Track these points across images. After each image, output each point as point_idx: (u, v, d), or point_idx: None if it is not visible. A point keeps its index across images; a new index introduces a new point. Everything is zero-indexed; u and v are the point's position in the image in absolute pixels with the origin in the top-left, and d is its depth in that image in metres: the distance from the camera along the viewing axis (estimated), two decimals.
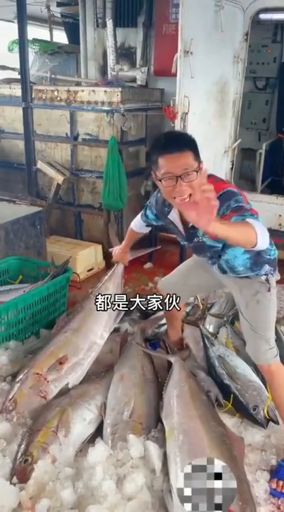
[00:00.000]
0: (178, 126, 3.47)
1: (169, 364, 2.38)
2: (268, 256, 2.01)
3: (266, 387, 2.22)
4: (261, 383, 2.24)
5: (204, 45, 3.50)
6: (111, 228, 3.75)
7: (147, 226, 2.41)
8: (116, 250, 2.76)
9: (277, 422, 2.07)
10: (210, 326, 2.94)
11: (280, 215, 4.33)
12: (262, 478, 1.89)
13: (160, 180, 1.69)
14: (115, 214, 4.02)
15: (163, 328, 2.82)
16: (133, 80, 4.40)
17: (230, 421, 2.14)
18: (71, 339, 2.40)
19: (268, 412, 2.08)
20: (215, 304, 3.21)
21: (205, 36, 3.52)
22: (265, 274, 2.03)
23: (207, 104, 3.82)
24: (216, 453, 1.77)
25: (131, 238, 2.63)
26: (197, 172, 1.63)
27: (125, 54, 4.57)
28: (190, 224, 1.83)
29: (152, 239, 4.28)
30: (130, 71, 4.41)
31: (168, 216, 1.98)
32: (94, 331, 2.45)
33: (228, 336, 2.72)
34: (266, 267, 2.02)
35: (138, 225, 2.45)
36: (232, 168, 4.26)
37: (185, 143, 1.68)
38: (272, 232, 4.28)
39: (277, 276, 2.10)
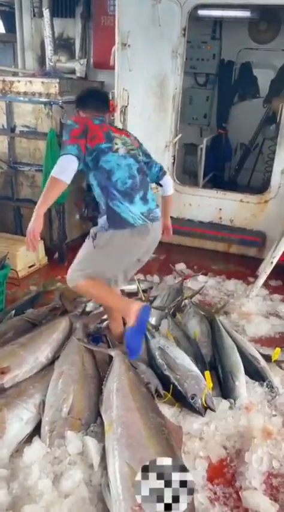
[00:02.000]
0: (118, 119, 3.45)
1: (111, 358, 2.37)
2: None
3: (204, 376, 2.27)
4: (199, 372, 2.28)
5: (141, 38, 3.50)
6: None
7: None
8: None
9: (214, 410, 2.12)
10: (152, 318, 2.96)
11: (220, 209, 4.44)
12: (200, 465, 1.93)
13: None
14: (57, 209, 3.93)
15: (105, 323, 2.80)
16: (73, 71, 4.32)
17: (170, 411, 2.16)
18: (18, 351, 2.36)
19: (205, 400, 2.12)
20: (158, 297, 3.24)
21: (142, 29, 3.52)
22: None
23: (147, 98, 3.84)
24: (154, 444, 1.78)
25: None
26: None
27: (64, 45, 4.47)
28: None
29: None
30: (69, 62, 4.33)
31: None
32: (41, 350, 2.44)
33: (169, 328, 2.75)
34: None
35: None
36: (173, 162, 4.30)
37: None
38: (213, 226, 4.48)
39: None
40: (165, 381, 2.29)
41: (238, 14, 4.85)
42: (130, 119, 3.58)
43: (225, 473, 1.95)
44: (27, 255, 3.84)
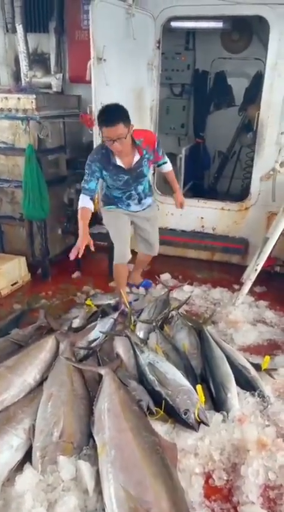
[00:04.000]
0: (96, 133, 3.43)
1: (101, 376, 2.33)
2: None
3: (195, 390, 2.25)
4: (191, 386, 2.26)
5: (117, 52, 3.50)
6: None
7: (90, 199, 2.96)
8: (79, 241, 2.86)
9: (207, 424, 2.10)
10: (140, 332, 2.94)
11: (202, 217, 4.46)
12: (196, 483, 1.91)
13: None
14: (38, 225, 3.89)
15: (95, 343, 2.76)
16: (49, 86, 4.30)
17: (163, 428, 2.13)
18: (5, 374, 2.31)
19: (198, 415, 2.10)
20: (144, 310, 3.22)
21: (117, 43, 3.53)
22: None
23: None
24: (149, 465, 1.76)
25: (86, 217, 2.93)
26: (126, 137, 2.71)
27: (38, 60, 4.44)
28: (135, 161, 2.95)
29: None
30: (45, 77, 4.30)
31: (116, 163, 2.91)
32: (29, 372, 2.39)
33: (158, 341, 2.72)
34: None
35: (87, 203, 2.95)
36: (153, 173, 4.31)
37: (118, 117, 2.66)
38: (196, 234, 4.49)
39: None
40: (156, 397, 2.26)
41: (211, 25, 4.91)
42: None
43: (222, 489, 1.92)
44: (9, 273, 3.78)
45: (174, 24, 4.55)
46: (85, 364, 2.51)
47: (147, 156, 2.99)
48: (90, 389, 2.32)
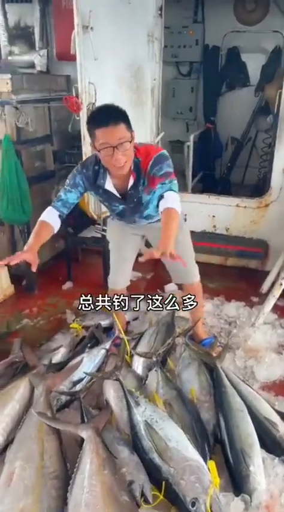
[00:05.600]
0: (84, 119, 2.82)
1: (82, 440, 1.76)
2: None
3: (206, 463, 1.67)
4: (201, 460, 1.68)
5: (108, 19, 2.88)
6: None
7: (59, 217, 2.14)
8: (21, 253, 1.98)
9: None
10: (138, 367, 2.37)
11: (213, 216, 3.85)
12: None
13: (98, 151, 1.92)
14: (20, 229, 3.31)
15: (78, 386, 2.19)
16: (32, 65, 3.68)
17: None
18: None
19: (211, 508, 1.52)
20: (144, 336, 2.63)
21: (108, 8, 2.89)
22: None
23: (120, 92, 3.20)
24: None
25: (40, 233, 2.07)
26: (130, 142, 1.91)
27: (21, 35, 3.82)
28: (129, 187, 2.10)
29: (69, 251, 3.64)
30: (27, 54, 3.68)
31: (105, 187, 2.13)
32: None
33: (158, 385, 2.13)
34: None
35: (53, 217, 2.12)
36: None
37: (118, 116, 1.89)
38: (206, 236, 3.88)
39: None
40: (154, 472, 1.69)
41: None
42: None
43: None
44: None
45: None
46: (63, 422, 1.93)
47: (142, 181, 2.09)
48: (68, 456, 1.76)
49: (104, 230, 3.25)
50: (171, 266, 2.54)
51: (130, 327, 2.94)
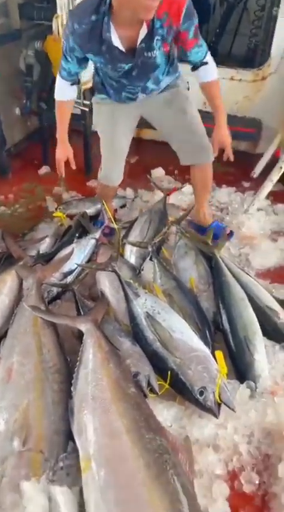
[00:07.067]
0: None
1: (81, 333, 1.67)
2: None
3: (214, 355, 1.63)
4: (207, 350, 1.63)
5: None
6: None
7: (72, 85, 2.04)
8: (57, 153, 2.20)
9: (233, 409, 1.51)
10: (131, 257, 2.25)
11: None
12: (218, 492, 1.38)
13: None
14: None
15: (70, 277, 2.05)
16: None
17: (170, 413, 1.55)
18: None
19: (220, 396, 1.50)
20: (136, 225, 2.44)
21: None
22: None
23: None
24: (157, 495, 1.18)
25: (65, 117, 2.11)
26: None
27: None
28: (140, 39, 1.76)
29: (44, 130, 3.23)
30: None
31: (111, 41, 1.76)
32: None
33: (155, 275, 2.02)
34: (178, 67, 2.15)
35: (66, 91, 2.06)
36: None
37: None
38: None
39: None
40: (159, 363, 1.64)
41: None
42: None
43: (253, 497, 1.41)
44: None
45: None
46: (60, 316, 1.81)
47: (160, 31, 1.75)
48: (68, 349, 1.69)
49: (85, 105, 2.86)
50: (183, 144, 2.29)
51: (118, 215, 2.74)
